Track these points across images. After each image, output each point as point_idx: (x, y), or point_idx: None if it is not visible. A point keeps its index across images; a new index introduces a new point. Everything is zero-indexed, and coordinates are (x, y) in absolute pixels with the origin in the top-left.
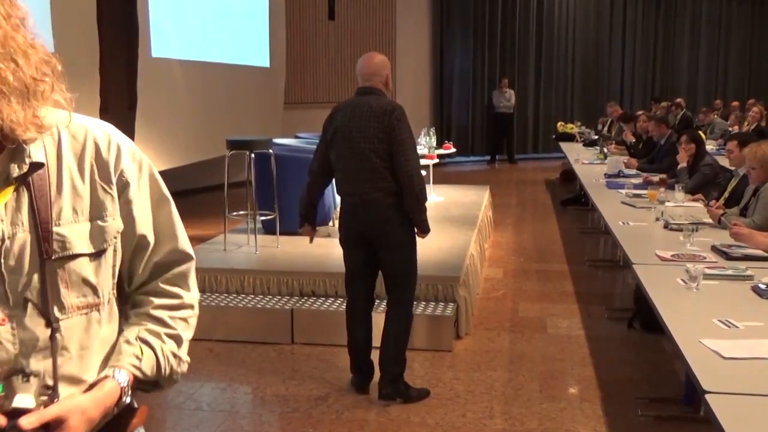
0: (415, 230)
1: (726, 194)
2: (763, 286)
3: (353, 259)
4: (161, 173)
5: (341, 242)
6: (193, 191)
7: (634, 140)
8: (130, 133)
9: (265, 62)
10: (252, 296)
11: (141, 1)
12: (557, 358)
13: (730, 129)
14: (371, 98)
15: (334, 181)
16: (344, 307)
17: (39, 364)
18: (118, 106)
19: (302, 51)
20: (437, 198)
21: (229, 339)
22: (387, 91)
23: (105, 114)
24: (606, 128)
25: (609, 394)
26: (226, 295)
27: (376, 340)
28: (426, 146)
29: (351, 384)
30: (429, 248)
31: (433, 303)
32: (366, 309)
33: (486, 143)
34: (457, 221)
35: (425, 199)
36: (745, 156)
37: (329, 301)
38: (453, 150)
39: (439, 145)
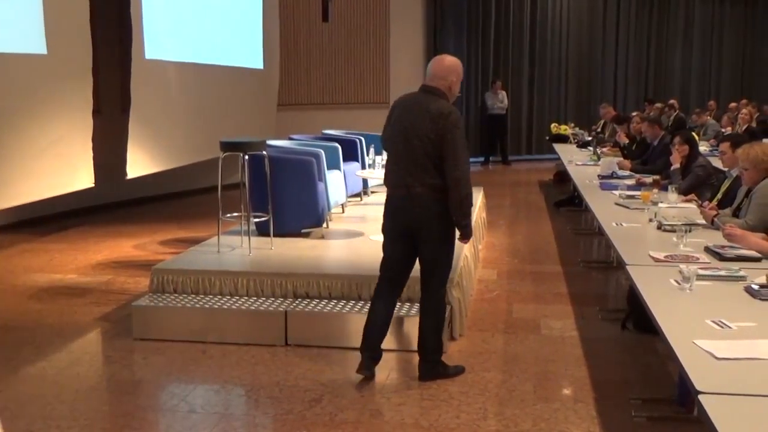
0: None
1: (719, 195)
2: (755, 287)
3: (393, 248)
4: (155, 175)
5: (383, 231)
6: (187, 193)
7: (627, 141)
8: (123, 135)
9: (259, 64)
10: (246, 298)
11: (134, 2)
12: (551, 359)
13: (723, 130)
14: (430, 98)
15: (328, 181)
16: (338, 309)
17: None
18: (112, 108)
19: (296, 52)
20: None
21: (222, 341)
22: (450, 94)
23: (98, 116)
24: (599, 129)
25: (602, 395)
26: (219, 297)
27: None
28: None
29: (357, 371)
30: None
31: None
32: (394, 289)
33: (480, 144)
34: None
35: (470, 204)
36: (738, 157)
37: (323, 303)
38: None
39: None
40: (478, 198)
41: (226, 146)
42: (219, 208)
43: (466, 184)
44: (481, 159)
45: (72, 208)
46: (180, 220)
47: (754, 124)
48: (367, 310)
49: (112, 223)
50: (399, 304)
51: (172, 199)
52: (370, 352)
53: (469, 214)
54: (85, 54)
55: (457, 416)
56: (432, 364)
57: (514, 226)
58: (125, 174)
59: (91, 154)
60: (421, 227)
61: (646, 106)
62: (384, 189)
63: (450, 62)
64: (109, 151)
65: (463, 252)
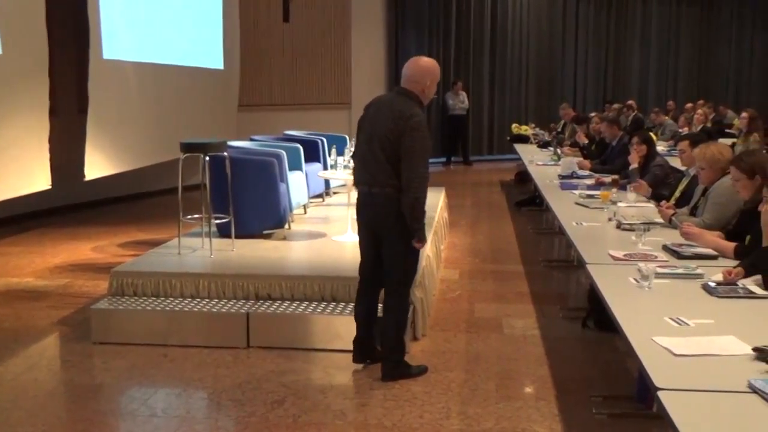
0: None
1: (677, 194)
2: (713, 284)
3: (363, 246)
4: (114, 177)
5: (358, 231)
6: (147, 194)
7: (586, 141)
8: (81, 136)
9: (219, 64)
10: (207, 300)
11: (91, 1)
12: (513, 357)
13: (680, 130)
14: (400, 100)
15: (290, 182)
16: (300, 310)
17: None
18: (68, 108)
19: (256, 53)
20: None
21: (183, 344)
22: (423, 97)
23: (55, 116)
24: (560, 129)
25: (564, 393)
26: (180, 299)
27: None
28: None
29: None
30: None
31: None
32: (372, 288)
33: (441, 145)
34: None
35: (421, 208)
36: (695, 156)
37: (285, 304)
38: None
39: None
40: (440, 198)
41: (187, 147)
42: (179, 209)
43: (419, 188)
44: (443, 159)
45: (29, 210)
46: (140, 222)
47: (709, 125)
48: (329, 311)
49: (69, 226)
50: None
51: (132, 201)
52: (356, 345)
53: (420, 219)
54: (41, 54)
55: (420, 416)
56: (394, 364)
57: (475, 226)
58: (83, 175)
59: (48, 156)
60: (381, 226)
61: (606, 107)
62: (345, 190)
63: (425, 64)
64: (66, 152)
65: (426, 252)
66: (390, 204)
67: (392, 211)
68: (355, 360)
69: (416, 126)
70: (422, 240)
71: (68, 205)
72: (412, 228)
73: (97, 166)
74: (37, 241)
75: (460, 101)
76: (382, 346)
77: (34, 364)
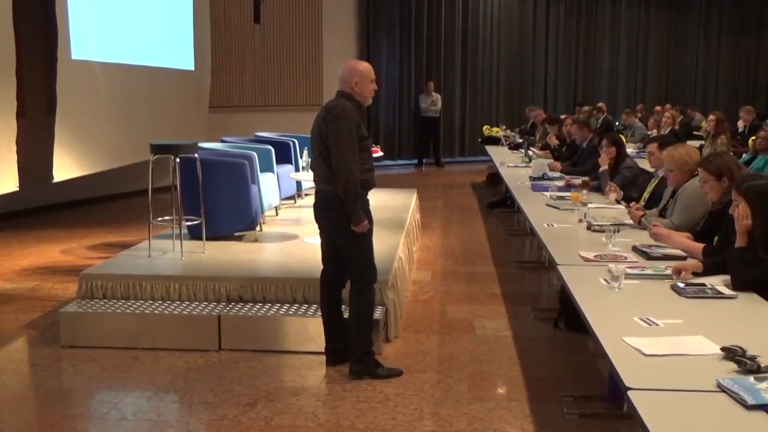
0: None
1: (646, 195)
2: (681, 285)
3: (322, 244)
4: (83, 178)
5: None
6: (117, 196)
7: (557, 143)
8: (49, 137)
9: (190, 65)
10: (178, 303)
11: (60, 0)
12: (485, 358)
13: (649, 132)
14: (333, 100)
15: (261, 184)
16: (272, 312)
17: None
18: (37, 110)
19: (227, 54)
20: None
21: (154, 347)
22: (357, 95)
23: (23, 118)
24: (528, 127)
25: (536, 394)
26: (151, 302)
27: None
28: None
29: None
30: None
31: None
32: (331, 289)
33: (413, 147)
34: (385, 224)
35: (352, 192)
36: (663, 159)
37: (257, 307)
38: (380, 154)
39: None
40: (412, 200)
41: (157, 149)
42: (150, 211)
43: (346, 171)
44: (415, 161)
45: None
46: (109, 224)
47: (677, 127)
48: (301, 313)
49: (38, 228)
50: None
51: (101, 203)
52: (327, 346)
53: (353, 201)
54: (7, 54)
55: (393, 417)
56: (358, 357)
57: (447, 227)
58: (52, 177)
59: (15, 157)
60: (328, 223)
61: (576, 110)
62: None
63: (350, 65)
64: (34, 153)
65: (398, 254)
66: (329, 200)
67: (331, 206)
68: (329, 363)
69: (336, 116)
70: (357, 223)
71: (36, 207)
72: (348, 212)
73: (65, 167)
74: (4, 243)
75: (432, 103)
76: (349, 340)
77: (2, 369)
